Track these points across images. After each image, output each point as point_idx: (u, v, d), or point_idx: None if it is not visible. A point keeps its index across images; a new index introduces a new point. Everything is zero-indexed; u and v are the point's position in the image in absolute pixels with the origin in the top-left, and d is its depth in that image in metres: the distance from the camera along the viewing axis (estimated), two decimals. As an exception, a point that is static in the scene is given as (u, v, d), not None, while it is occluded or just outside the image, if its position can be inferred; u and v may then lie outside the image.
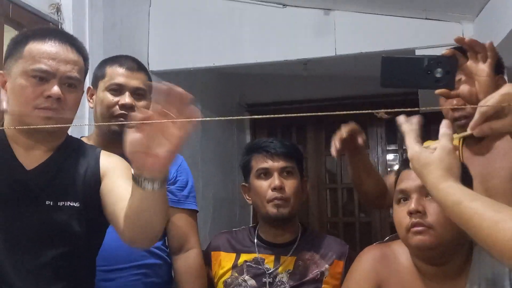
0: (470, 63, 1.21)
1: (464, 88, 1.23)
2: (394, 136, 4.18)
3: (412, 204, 1.24)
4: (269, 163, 1.61)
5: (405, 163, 1.35)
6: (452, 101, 1.42)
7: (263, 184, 1.60)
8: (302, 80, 3.71)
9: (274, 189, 1.57)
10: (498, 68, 1.58)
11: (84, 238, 1.22)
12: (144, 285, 1.57)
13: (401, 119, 1.08)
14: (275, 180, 1.58)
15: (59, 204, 1.19)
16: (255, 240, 1.65)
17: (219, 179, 3.69)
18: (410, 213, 1.23)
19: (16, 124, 1.18)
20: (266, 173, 1.61)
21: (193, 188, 1.71)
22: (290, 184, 1.60)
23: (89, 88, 1.67)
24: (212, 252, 1.68)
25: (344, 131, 1.52)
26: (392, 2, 2.73)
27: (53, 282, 1.17)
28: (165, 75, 2.92)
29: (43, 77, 1.16)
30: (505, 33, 2.14)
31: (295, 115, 0.91)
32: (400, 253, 1.35)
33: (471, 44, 1.20)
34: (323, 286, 1.55)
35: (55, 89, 1.16)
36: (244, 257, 1.62)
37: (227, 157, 3.87)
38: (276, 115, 0.89)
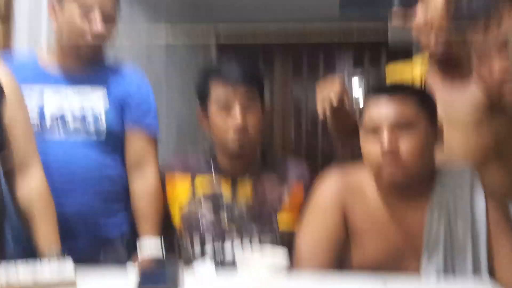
0: None
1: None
2: (361, 59, 4.13)
3: (386, 144, 1.22)
4: (229, 94, 1.48)
5: (374, 88, 1.33)
6: (429, 34, 1.39)
7: (224, 119, 1.49)
8: (271, 2, 3.60)
9: (236, 127, 1.47)
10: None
11: None
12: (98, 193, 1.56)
13: None
14: (237, 120, 1.46)
15: None
16: (212, 163, 1.58)
17: (183, 101, 3.62)
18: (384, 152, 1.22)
19: None
20: (226, 105, 1.49)
21: (155, 108, 1.66)
22: (252, 121, 1.49)
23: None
24: (166, 174, 1.61)
25: (333, 97, 1.40)
26: None
27: None
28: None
29: None
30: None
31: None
32: (363, 178, 1.35)
33: None
34: (283, 210, 1.53)
35: None
36: (199, 179, 1.56)
37: (192, 79, 3.76)
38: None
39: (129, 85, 1.62)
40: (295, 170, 1.59)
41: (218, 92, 1.51)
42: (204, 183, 1.57)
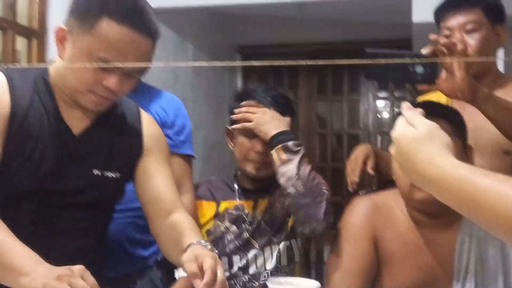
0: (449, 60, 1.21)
1: (443, 86, 1.25)
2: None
3: None
4: None
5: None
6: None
7: (246, 143, 1.54)
8: (297, 23, 3.63)
9: (256, 152, 1.52)
10: (497, 16, 1.54)
11: (115, 202, 1.29)
12: (138, 227, 1.54)
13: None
14: (259, 145, 1.50)
15: (105, 174, 1.19)
16: (235, 187, 1.62)
17: (210, 121, 3.66)
18: None
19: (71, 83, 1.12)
20: (252, 133, 1.51)
21: (190, 133, 1.67)
22: None
23: None
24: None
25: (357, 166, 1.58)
26: None
27: (80, 238, 1.20)
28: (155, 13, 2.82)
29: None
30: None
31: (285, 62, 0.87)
32: (393, 203, 1.34)
33: (446, 45, 1.20)
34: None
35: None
36: (224, 204, 1.60)
37: (218, 99, 3.82)
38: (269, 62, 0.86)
39: (168, 113, 1.61)
40: None
41: None
42: (228, 206, 1.60)
